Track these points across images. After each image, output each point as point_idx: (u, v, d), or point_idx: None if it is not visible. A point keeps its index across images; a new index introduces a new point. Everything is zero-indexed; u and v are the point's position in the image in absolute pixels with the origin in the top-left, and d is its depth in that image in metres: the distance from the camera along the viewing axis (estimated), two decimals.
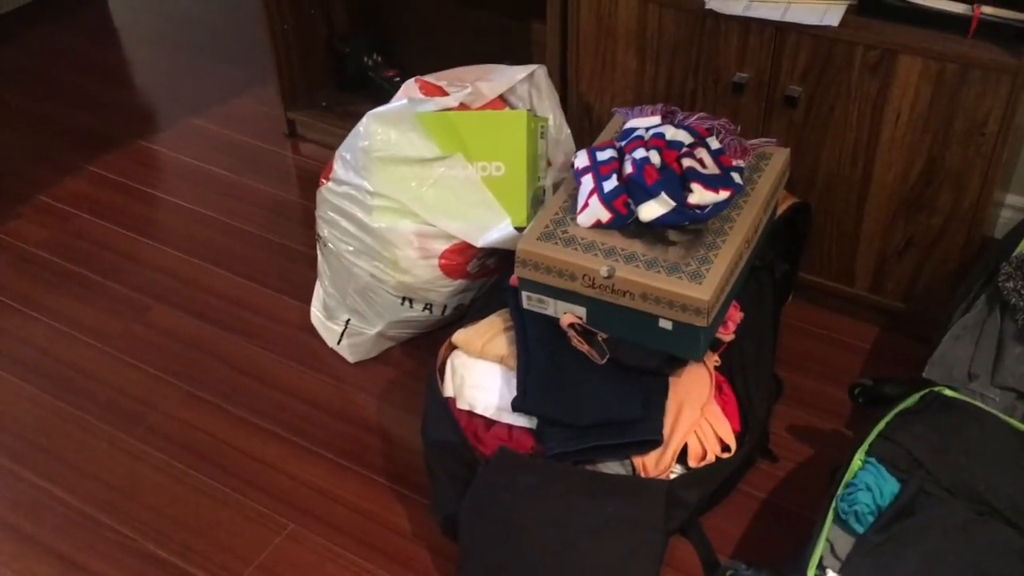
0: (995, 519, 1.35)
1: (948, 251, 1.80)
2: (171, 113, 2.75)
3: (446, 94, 1.87)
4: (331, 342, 1.98)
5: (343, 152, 1.84)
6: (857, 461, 1.42)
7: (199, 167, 2.54)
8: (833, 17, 1.67)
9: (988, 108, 1.61)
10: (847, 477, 1.39)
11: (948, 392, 1.50)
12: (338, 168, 1.85)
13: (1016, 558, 1.30)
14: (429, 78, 1.93)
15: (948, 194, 1.73)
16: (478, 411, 1.62)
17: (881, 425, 1.46)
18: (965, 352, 1.57)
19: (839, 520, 1.36)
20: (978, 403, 1.48)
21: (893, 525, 1.34)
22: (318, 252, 1.96)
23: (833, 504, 1.37)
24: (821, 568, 1.31)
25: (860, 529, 1.35)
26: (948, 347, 1.58)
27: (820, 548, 1.32)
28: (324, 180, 1.89)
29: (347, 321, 1.93)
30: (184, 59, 3.00)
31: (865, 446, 1.43)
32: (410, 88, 1.90)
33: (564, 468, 1.53)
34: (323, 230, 1.89)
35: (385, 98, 1.93)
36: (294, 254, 2.24)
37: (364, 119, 1.80)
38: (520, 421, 1.59)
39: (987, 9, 1.58)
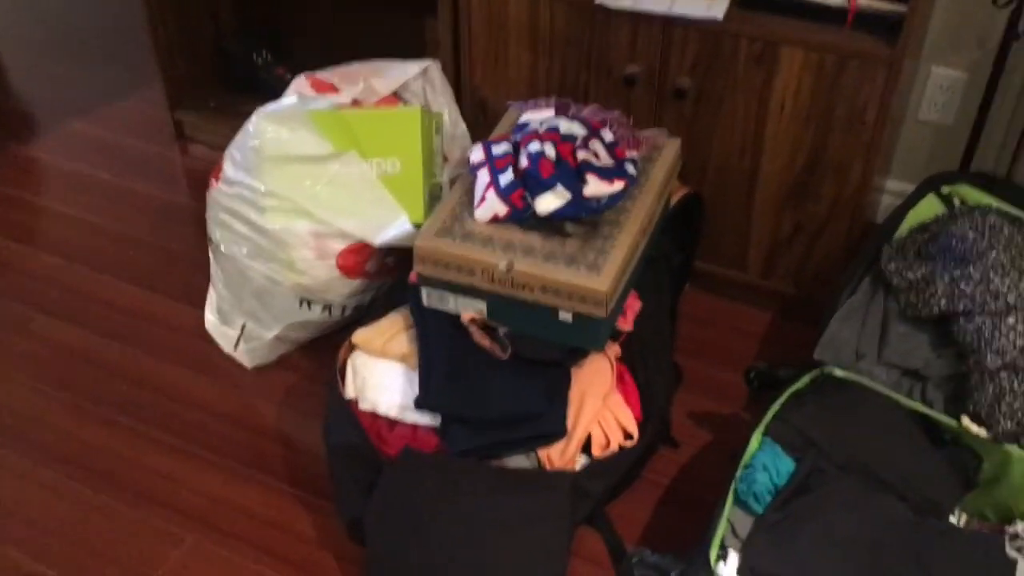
0: (885, 492, 1.40)
1: (834, 236, 1.86)
2: (50, 117, 2.64)
3: (338, 91, 1.84)
4: (227, 348, 1.93)
5: (233, 151, 1.79)
6: (754, 443, 1.45)
7: (82, 172, 2.44)
8: (718, 10, 1.70)
9: (866, 96, 1.67)
10: (745, 459, 1.43)
11: (838, 372, 1.55)
12: (228, 168, 1.80)
13: (907, 528, 1.35)
14: (320, 75, 1.89)
15: (831, 182, 1.79)
16: (381, 411, 1.59)
17: (776, 407, 1.50)
18: (852, 333, 1.62)
19: (739, 501, 1.39)
20: (866, 381, 1.54)
21: (790, 503, 1.38)
22: (210, 255, 1.91)
23: (732, 486, 1.40)
24: (723, 548, 1.33)
25: (759, 509, 1.38)
26: (836, 329, 1.63)
27: (721, 529, 1.35)
28: (214, 181, 1.84)
29: (243, 325, 1.88)
30: (63, 62, 2.87)
31: (761, 428, 1.46)
32: (301, 85, 1.87)
33: (470, 465, 1.53)
34: (215, 233, 1.84)
35: (276, 97, 1.88)
36: (185, 259, 2.17)
37: (253, 117, 1.76)
38: (424, 420, 1.58)
39: (863, 0, 1.64)
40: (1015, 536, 1.44)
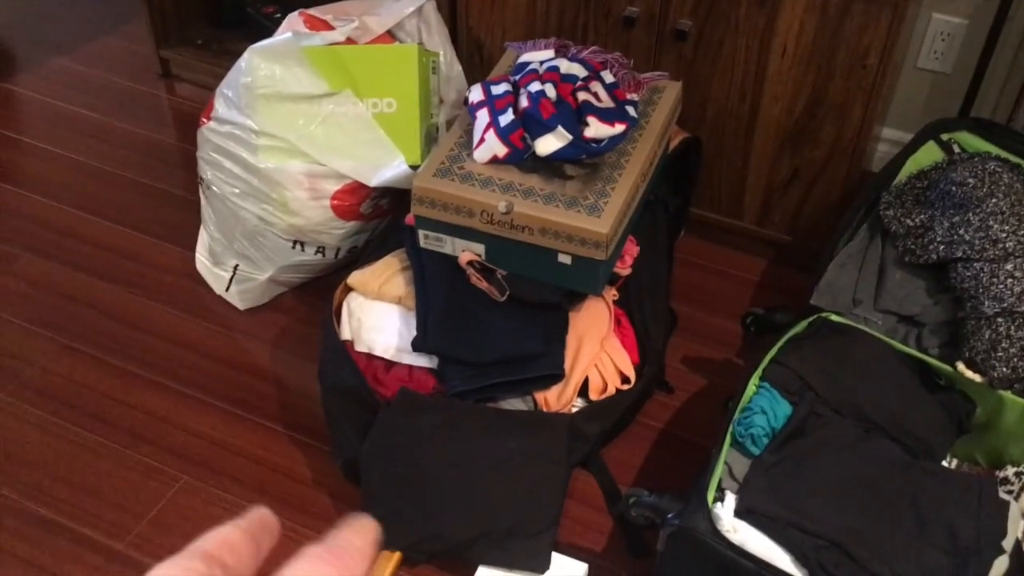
0: (880, 435, 1.41)
1: (831, 183, 1.85)
2: (32, 52, 2.57)
3: (332, 28, 1.80)
4: (219, 289, 1.91)
5: (224, 89, 1.75)
6: (752, 386, 1.45)
7: (66, 109, 2.38)
8: None
9: (869, 41, 1.65)
10: (743, 402, 1.43)
11: (835, 317, 1.55)
12: (219, 106, 1.76)
13: (899, 470, 1.37)
14: (314, 11, 1.85)
15: (831, 127, 1.78)
16: (377, 353, 1.59)
17: (773, 351, 1.50)
18: (849, 279, 1.62)
19: (736, 443, 1.40)
20: (862, 327, 1.54)
21: (786, 446, 1.39)
22: (201, 196, 1.87)
23: (730, 428, 1.40)
24: (720, 490, 1.34)
25: (756, 451, 1.39)
26: (833, 275, 1.63)
27: (719, 470, 1.35)
28: (205, 120, 1.80)
29: (235, 267, 1.86)
30: None
31: (759, 371, 1.47)
32: (294, 21, 1.82)
33: (467, 406, 1.52)
34: (206, 172, 1.81)
35: (264, 35, 1.84)
36: (174, 199, 2.14)
37: (246, 54, 1.72)
38: (420, 361, 1.57)
39: None
40: (1005, 480, 1.46)
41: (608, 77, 1.63)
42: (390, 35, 1.85)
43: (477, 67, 2.00)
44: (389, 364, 1.58)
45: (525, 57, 1.68)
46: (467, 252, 1.57)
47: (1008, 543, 1.29)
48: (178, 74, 2.47)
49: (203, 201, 1.87)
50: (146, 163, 2.23)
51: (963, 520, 1.29)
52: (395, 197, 1.82)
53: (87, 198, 2.13)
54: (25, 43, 2.60)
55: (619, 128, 1.55)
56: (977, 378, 1.46)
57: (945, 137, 1.73)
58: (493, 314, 1.56)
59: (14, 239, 2.03)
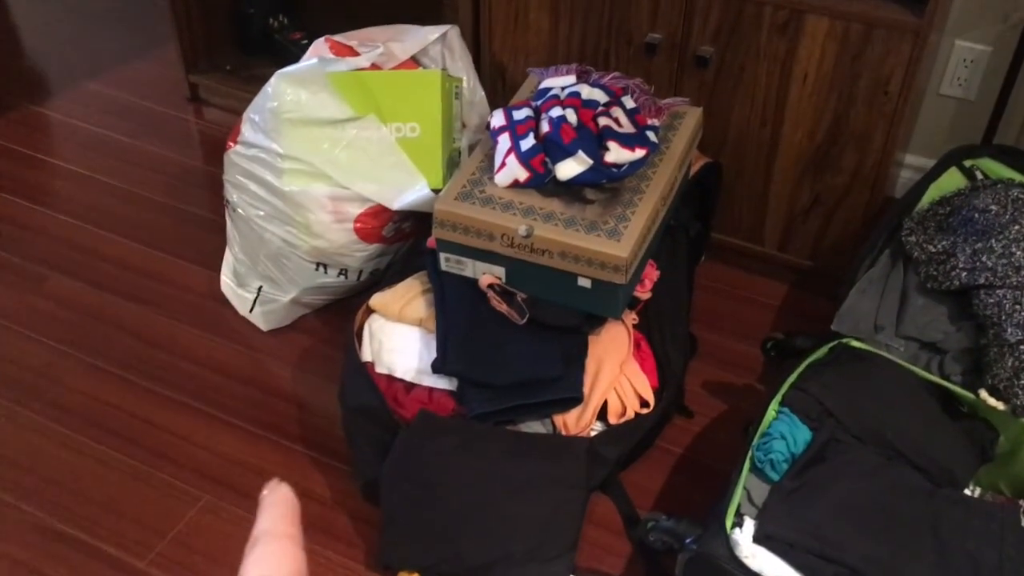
0: (901, 463, 1.40)
1: (852, 209, 1.85)
2: (64, 77, 2.62)
3: (357, 54, 1.82)
4: (243, 310, 1.93)
5: (251, 114, 1.78)
6: (771, 411, 1.45)
7: (96, 132, 2.43)
8: None
9: (891, 67, 1.66)
10: (762, 427, 1.43)
11: (856, 343, 1.55)
12: (246, 130, 1.79)
13: (921, 498, 1.35)
14: (339, 38, 1.88)
15: (853, 153, 1.78)
16: (397, 375, 1.60)
17: (793, 376, 1.49)
18: (871, 305, 1.62)
19: (755, 469, 1.39)
20: (884, 353, 1.53)
21: (806, 472, 1.38)
22: (227, 218, 1.90)
23: (749, 453, 1.40)
24: (739, 515, 1.33)
25: (775, 477, 1.38)
26: (855, 300, 1.63)
27: (738, 496, 1.35)
28: (231, 143, 1.83)
29: (259, 288, 1.88)
30: (76, 21, 2.86)
31: (779, 397, 1.46)
32: (320, 48, 1.85)
33: (486, 429, 1.53)
34: (232, 195, 1.83)
35: (291, 61, 1.87)
36: (200, 221, 2.17)
37: (272, 79, 1.75)
38: (440, 383, 1.58)
39: None
40: None
41: (629, 103, 1.64)
42: (414, 61, 1.88)
43: (500, 92, 2.02)
44: (409, 386, 1.59)
45: (547, 83, 1.69)
46: (487, 275, 1.59)
47: None
48: (206, 99, 2.52)
49: (228, 223, 1.90)
50: (173, 186, 2.27)
51: (985, 549, 1.28)
52: (417, 220, 1.83)
53: (115, 219, 2.17)
54: (57, 67, 2.66)
55: (639, 153, 1.56)
56: (1000, 406, 1.44)
57: (968, 163, 1.73)
58: (513, 337, 1.57)
59: (43, 259, 2.07)
